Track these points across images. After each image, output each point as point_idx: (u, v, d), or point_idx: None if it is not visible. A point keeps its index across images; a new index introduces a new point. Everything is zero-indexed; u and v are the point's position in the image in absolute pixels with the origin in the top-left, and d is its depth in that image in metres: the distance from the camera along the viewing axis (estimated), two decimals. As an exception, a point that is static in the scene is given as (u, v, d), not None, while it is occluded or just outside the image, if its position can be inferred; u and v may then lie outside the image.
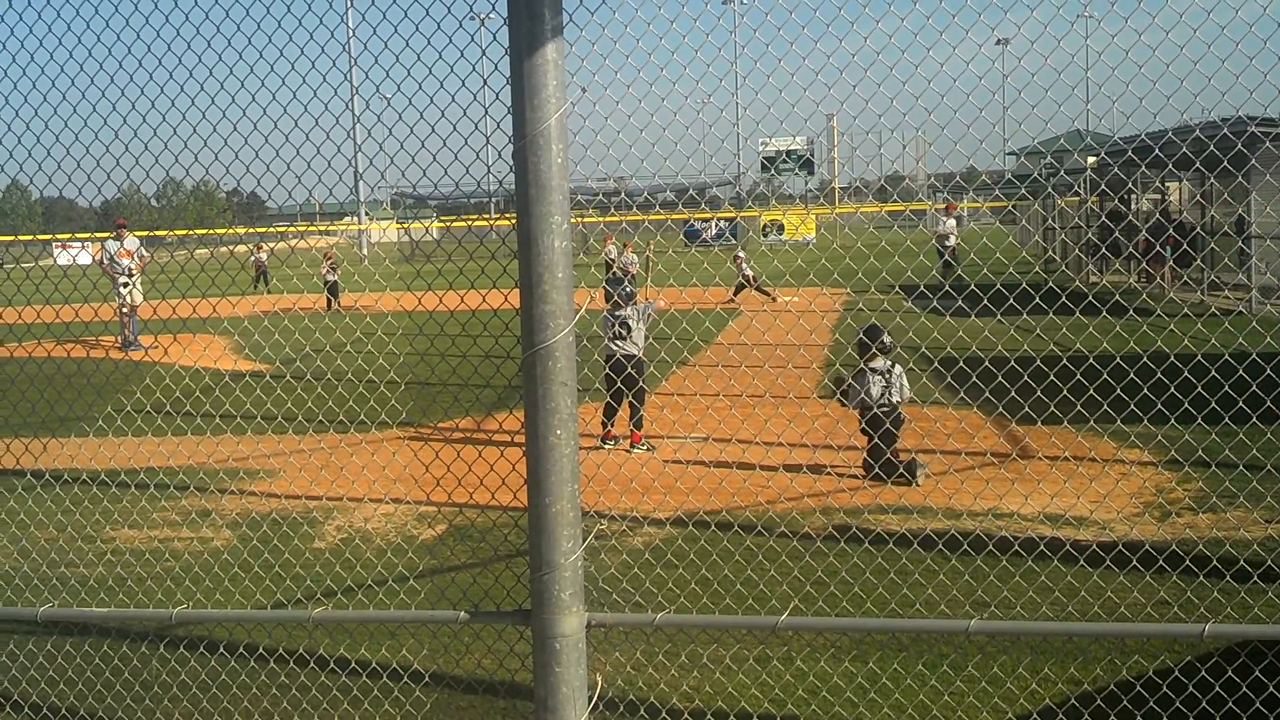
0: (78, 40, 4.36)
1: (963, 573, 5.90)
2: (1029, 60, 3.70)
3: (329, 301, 25.49)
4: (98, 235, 20.65)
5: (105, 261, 18.47)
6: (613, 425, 9.86)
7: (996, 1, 3.46)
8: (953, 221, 25.05)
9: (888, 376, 8.54)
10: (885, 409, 8.44)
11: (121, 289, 18.29)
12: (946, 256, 23.81)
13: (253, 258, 30.53)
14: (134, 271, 18.36)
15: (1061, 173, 27.21)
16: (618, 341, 9.85)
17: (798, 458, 8.95)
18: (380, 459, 9.07)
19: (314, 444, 10.44)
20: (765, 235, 48.00)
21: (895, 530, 6.99)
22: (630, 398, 9.65)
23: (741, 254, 24.53)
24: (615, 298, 9.87)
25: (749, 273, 23.69)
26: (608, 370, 9.58)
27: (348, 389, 12.00)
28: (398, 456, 9.05)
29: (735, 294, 23.61)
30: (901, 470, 8.22)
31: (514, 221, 3.27)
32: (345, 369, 14.21)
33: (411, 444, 10.07)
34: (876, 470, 7.88)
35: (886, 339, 8.62)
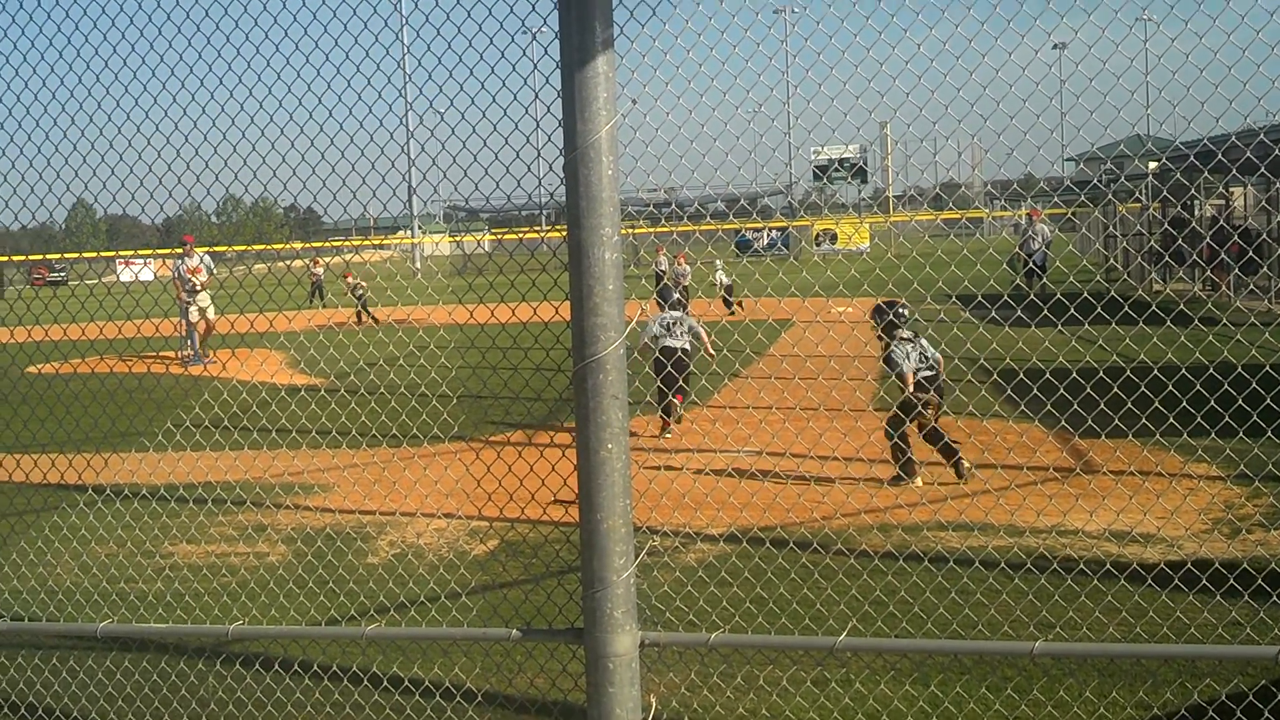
0: (141, 61, 4.45)
1: (1026, 592, 5.74)
2: (1087, 65, 3.60)
3: (359, 316, 25.59)
4: (159, 251, 21.05)
5: (176, 278, 18.76)
6: (669, 417, 10.30)
7: (1053, 5, 3.36)
8: (1044, 228, 24.34)
9: (918, 345, 8.64)
10: (929, 376, 8.57)
11: (187, 306, 18.56)
12: (1037, 264, 23.04)
13: (310, 273, 31.02)
14: (202, 288, 18.53)
15: (1122, 179, 26.68)
16: (667, 338, 10.73)
17: (853, 472, 8.82)
18: (432, 473, 9.10)
19: (367, 458, 10.51)
20: (818, 245, 47.62)
21: (956, 548, 6.84)
22: (681, 383, 10.14)
23: (719, 262, 24.28)
24: (668, 305, 11.08)
25: (725, 280, 23.36)
26: (658, 357, 10.13)
27: (400, 403, 12.08)
28: (449, 470, 9.06)
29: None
30: (941, 446, 8.43)
31: (564, 234, 3.25)
32: (398, 383, 14.31)
33: (463, 458, 10.10)
34: (903, 456, 8.25)
35: (902, 309, 8.79)
